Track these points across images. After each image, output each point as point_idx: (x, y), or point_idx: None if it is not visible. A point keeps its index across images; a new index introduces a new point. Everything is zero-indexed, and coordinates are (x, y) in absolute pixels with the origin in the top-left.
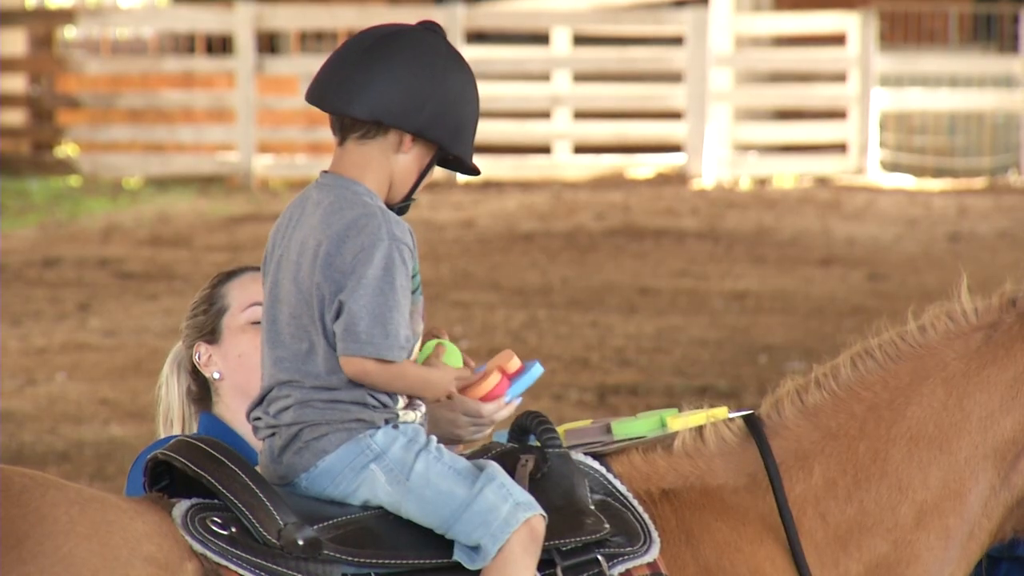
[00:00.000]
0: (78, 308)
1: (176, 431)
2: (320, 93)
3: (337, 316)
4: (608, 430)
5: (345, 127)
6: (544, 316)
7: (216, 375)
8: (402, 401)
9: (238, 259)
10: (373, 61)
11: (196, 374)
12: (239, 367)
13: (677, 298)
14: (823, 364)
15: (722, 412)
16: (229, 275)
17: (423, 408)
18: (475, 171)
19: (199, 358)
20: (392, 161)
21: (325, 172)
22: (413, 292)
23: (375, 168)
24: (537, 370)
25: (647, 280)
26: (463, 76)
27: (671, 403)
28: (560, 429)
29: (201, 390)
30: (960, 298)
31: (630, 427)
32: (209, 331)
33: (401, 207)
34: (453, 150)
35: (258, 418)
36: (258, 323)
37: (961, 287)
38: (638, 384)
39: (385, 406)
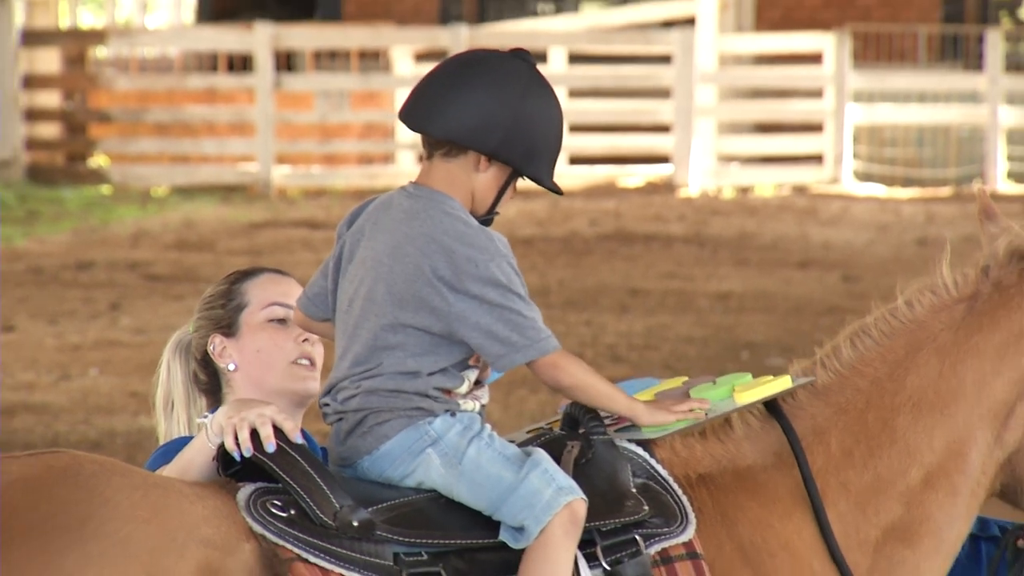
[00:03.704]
0: (109, 308)
1: (180, 414)
2: (408, 112)
3: (476, 336)
4: (687, 396)
5: (431, 144)
6: (542, 315)
7: (231, 366)
8: (466, 387)
9: (258, 261)
10: (455, 85)
11: (206, 363)
12: (256, 361)
13: (665, 298)
14: (824, 347)
15: (785, 381)
16: (245, 274)
17: (484, 399)
18: (556, 190)
19: (214, 348)
20: (472, 178)
21: (415, 184)
22: None
23: (459, 185)
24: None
25: (637, 282)
26: (542, 101)
27: None
28: (654, 391)
29: (210, 380)
30: (940, 272)
31: (706, 394)
32: (226, 324)
33: (485, 220)
34: (526, 171)
35: (326, 404)
36: (275, 321)
37: (942, 262)
38: (629, 378)
39: (446, 397)
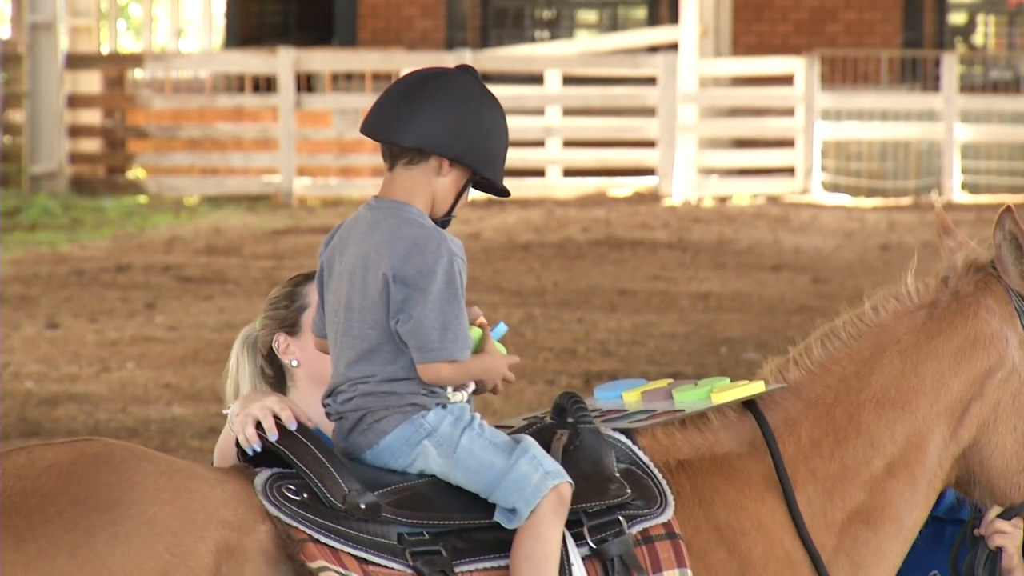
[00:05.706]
0: (145, 307)
1: None
2: (373, 125)
3: (406, 325)
4: (670, 395)
5: (394, 154)
6: (539, 314)
7: (294, 363)
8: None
9: (281, 265)
10: (418, 98)
11: (272, 359)
12: (317, 358)
13: (651, 298)
14: (797, 346)
15: (759, 385)
16: (307, 277)
17: (470, 388)
18: (505, 192)
19: (278, 346)
20: (434, 183)
21: (376, 198)
22: None
23: (421, 191)
24: (502, 328)
25: (625, 283)
26: (494, 111)
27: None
28: (640, 390)
29: (276, 375)
30: (904, 281)
31: (687, 395)
32: (290, 324)
33: (443, 222)
34: (485, 173)
35: (328, 405)
36: None
37: (907, 272)
38: (618, 371)
39: (436, 392)
